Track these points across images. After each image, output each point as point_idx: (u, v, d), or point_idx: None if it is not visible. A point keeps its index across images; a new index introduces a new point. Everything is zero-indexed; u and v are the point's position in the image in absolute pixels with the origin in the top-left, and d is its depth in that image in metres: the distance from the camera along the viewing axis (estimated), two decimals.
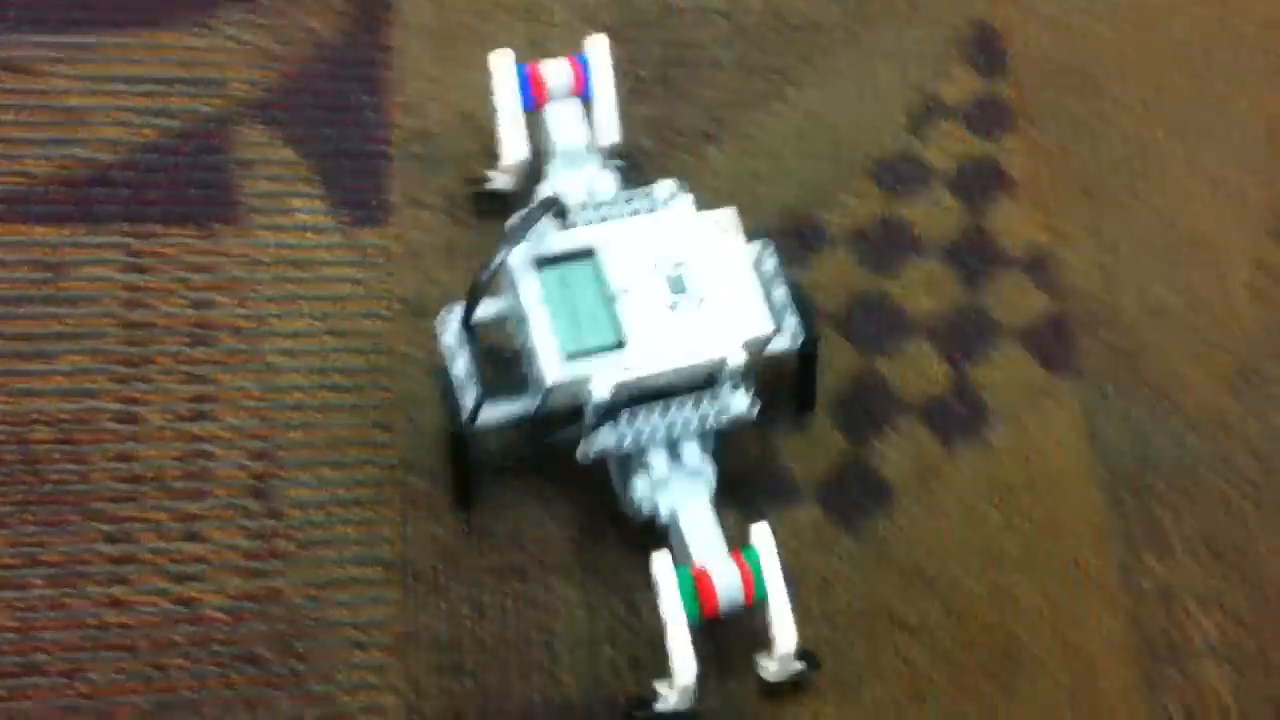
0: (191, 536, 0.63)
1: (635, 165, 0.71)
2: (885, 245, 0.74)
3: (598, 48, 0.65)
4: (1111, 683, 0.64)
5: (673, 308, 0.56)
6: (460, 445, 0.59)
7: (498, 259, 0.55)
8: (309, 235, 0.70)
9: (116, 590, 0.62)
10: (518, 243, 0.56)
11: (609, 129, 0.64)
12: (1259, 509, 0.69)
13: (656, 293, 0.57)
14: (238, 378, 0.66)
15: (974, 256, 0.74)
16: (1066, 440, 0.70)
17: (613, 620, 0.63)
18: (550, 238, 0.57)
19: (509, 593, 0.63)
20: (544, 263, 0.57)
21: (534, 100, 0.63)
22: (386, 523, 0.64)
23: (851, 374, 0.70)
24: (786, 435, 0.68)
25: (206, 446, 0.65)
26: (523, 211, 0.57)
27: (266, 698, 0.60)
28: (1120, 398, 0.71)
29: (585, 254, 0.57)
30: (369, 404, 0.67)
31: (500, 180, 0.67)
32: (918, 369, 0.71)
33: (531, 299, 0.56)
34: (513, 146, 0.63)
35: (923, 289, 0.73)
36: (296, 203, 0.70)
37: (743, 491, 0.65)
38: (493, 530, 0.64)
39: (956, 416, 0.70)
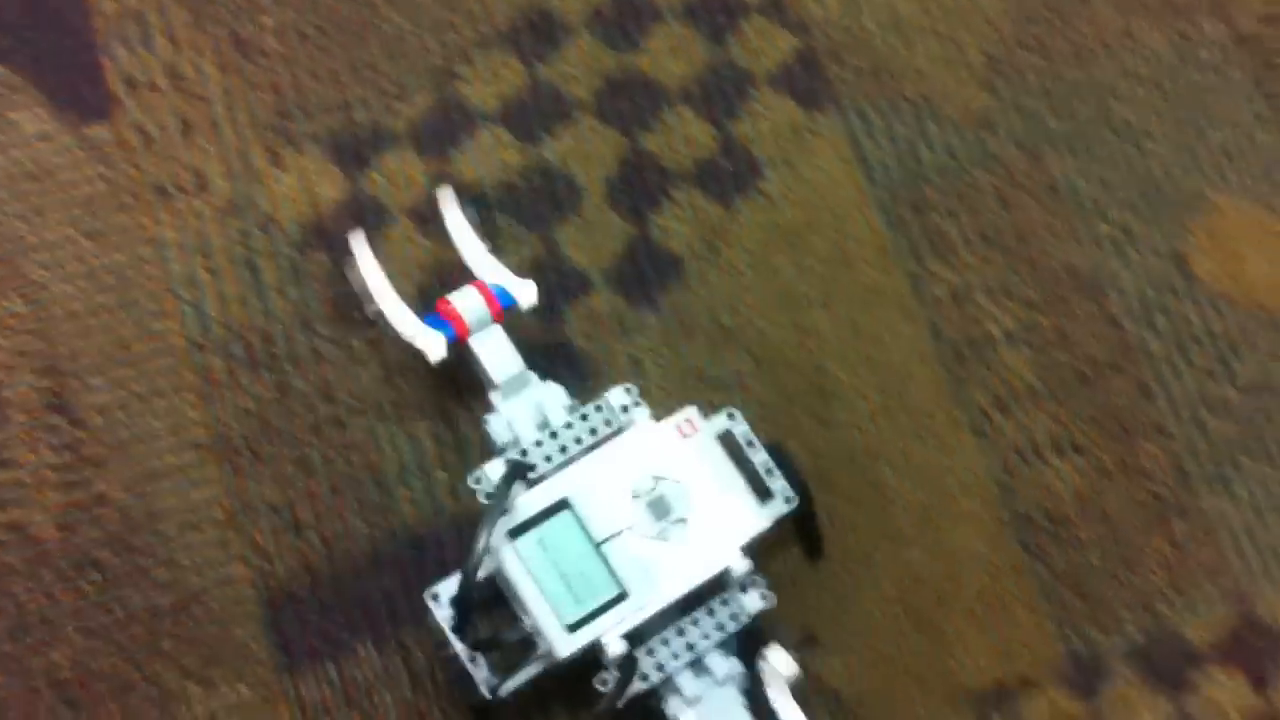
0: (1, 465, 0.65)
1: None
2: (624, 19, 0.75)
3: (451, 211, 0.63)
4: (921, 390, 0.68)
5: (662, 535, 0.55)
6: (482, 714, 0.57)
7: (480, 544, 0.52)
8: (39, 145, 0.70)
9: None
10: (495, 523, 0.53)
11: (526, 294, 0.62)
12: (1030, 195, 0.72)
13: (641, 526, 0.56)
14: (4, 302, 0.67)
15: (714, 11, 0.76)
16: (838, 172, 0.72)
17: (435, 444, 0.66)
18: (520, 500, 0.56)
19: (330, 443, 0.66)
20: (519, 529, 0.55)
21: (455, 335, 0.61)
22: (190, 405, 0.66)
23: (619, 157, 0.72)
24: (566, 227, 0.70)
25: None
26: (491, 487, 0.56)
27: (119, 597, 0.63)
28: (881, 118, 0.74)
29: (560, 507, 0.56)
30: (143, 295, 0.68)
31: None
32: (683, 137, 0.73)
33: (518, 574, 0.54)
34: (434, 349, 0.61)
35: (670, 55, 0.75)
36: (16, 115, 0.70)
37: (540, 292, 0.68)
38: (301, 390, 0.67)
39: (729, 175, 0.72)
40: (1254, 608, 0.65)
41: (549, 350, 0.66)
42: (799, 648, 0.59)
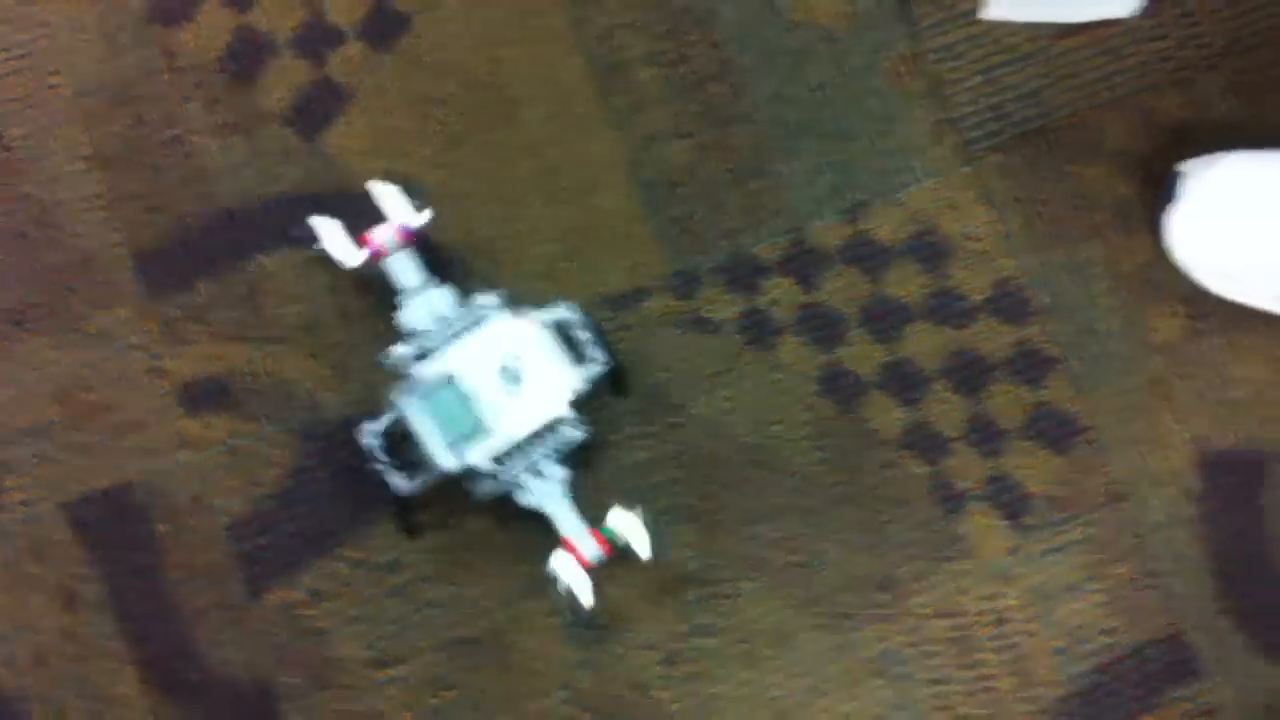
0: None
1: None
2: None
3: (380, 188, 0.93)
4: (579, 100, 1.00)
5: (513, 394, 0.87)
6: (403, 505, 0.90)
7: (394, 415, 0.87)
8: None
9: None
10: (411, 404, 0.86)
11: (419, 219, 0.92)
12: None
13: (499, 387, 0.87)
14: None
15: None
16: None
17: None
18: (420, 368, 0.87)
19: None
20: (421, 392, 0.87)
21: (374, 252, 0.92)
22: None
23: None
24: None
25: None
26: (391, 361, 0.88)
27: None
28: None
29: (447, 378, 0.87)
30: None
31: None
32: None
33: (419, 421, 0.86)
34: (350, 259, 0.92)
35: None
36: None
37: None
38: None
39: None
40: (805, 236, 1.00)
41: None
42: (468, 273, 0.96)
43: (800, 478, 0.96)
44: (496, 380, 0.87)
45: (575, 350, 0.91)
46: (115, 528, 0.91)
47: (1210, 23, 1.05)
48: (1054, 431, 0.98)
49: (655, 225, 0.99)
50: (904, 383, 0.98)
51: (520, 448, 0.88)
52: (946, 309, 1.00)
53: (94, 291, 0.95)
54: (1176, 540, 0.97)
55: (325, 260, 0.95)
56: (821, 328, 0.99)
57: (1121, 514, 0.97)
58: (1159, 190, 1.01)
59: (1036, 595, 0.96)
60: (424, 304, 0.91)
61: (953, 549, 0.96)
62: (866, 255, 1.00)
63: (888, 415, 0.97)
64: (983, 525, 0.97)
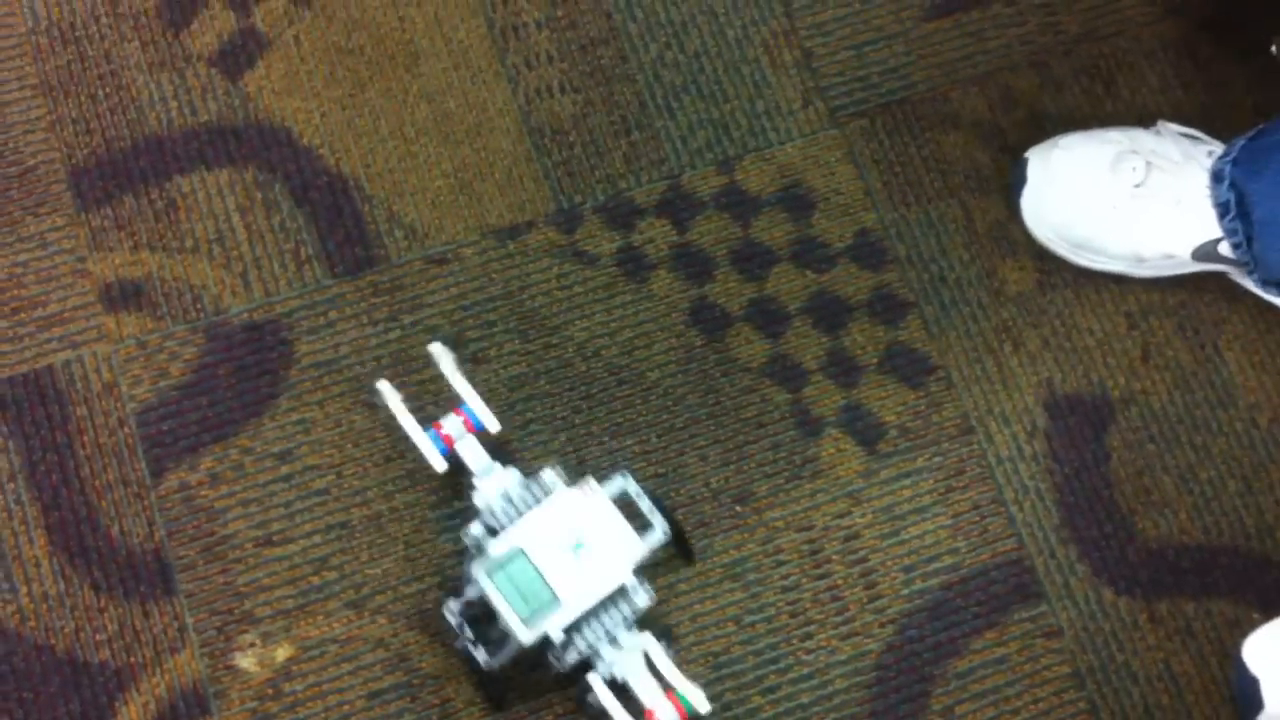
0: None
1: None
2: None
3: (444, 360, 1.07)
4: (477, 55, 1.21)
5: (579, 564, 1.00)
6: (488, 679, 1.03)
7: (473, 590, 1.01)
8: None
9: None
10: (486, 580, 1.00)
11: (489, 421, 1.07)
12: None
13: (567, 558, 1.00)
14: None
15: None
16: None
17: None
18: (490, 545, 1.00)
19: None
20: (492, 567, 1.00)
21: (446, 447, 1.06)
22: None
23: None
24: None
25: None
26: (472, 541, 1.03)
27: None
28: None
29: (517, 551, 1.00)
30: None
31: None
32: None
33: (494, 595, 0.99)
34: (437, 463, 1.06)
35: None
36: None
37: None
38: None
39: None
40: (680, 183, 1.27)
41: None
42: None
43: (666, 398, 1.20)
44: (564, 551, 1.01)
45: (636, 518, 1.04)
46: (35, 407, 1.11)
47: (1068, 12, 1.34)
48: (908, 368, 1.23)
49: (542, 167, 1.22)
50: (768, 318, 1.20)
51: (592, 616, 1.02)
52: (810, 254, 1.22)
53: (31, 201, 1.16)
54: (1022, 473, 1.21)
55: (236, 184, 1.19)
56: (692, 265, 1.21)
57: (970, 446, 1.21)
58: (1012, 159, 1.28)
59: (887, 516, 1.19)
60: (494, 484, 1.05)
61: (808, 469, 1.19)
62: (737, 203, 1.23)
63: (751, 346, 1.22)
64: (838, 449, 1.20)
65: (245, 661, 1.06)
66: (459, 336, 1.15)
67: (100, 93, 1.20)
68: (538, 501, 1.04)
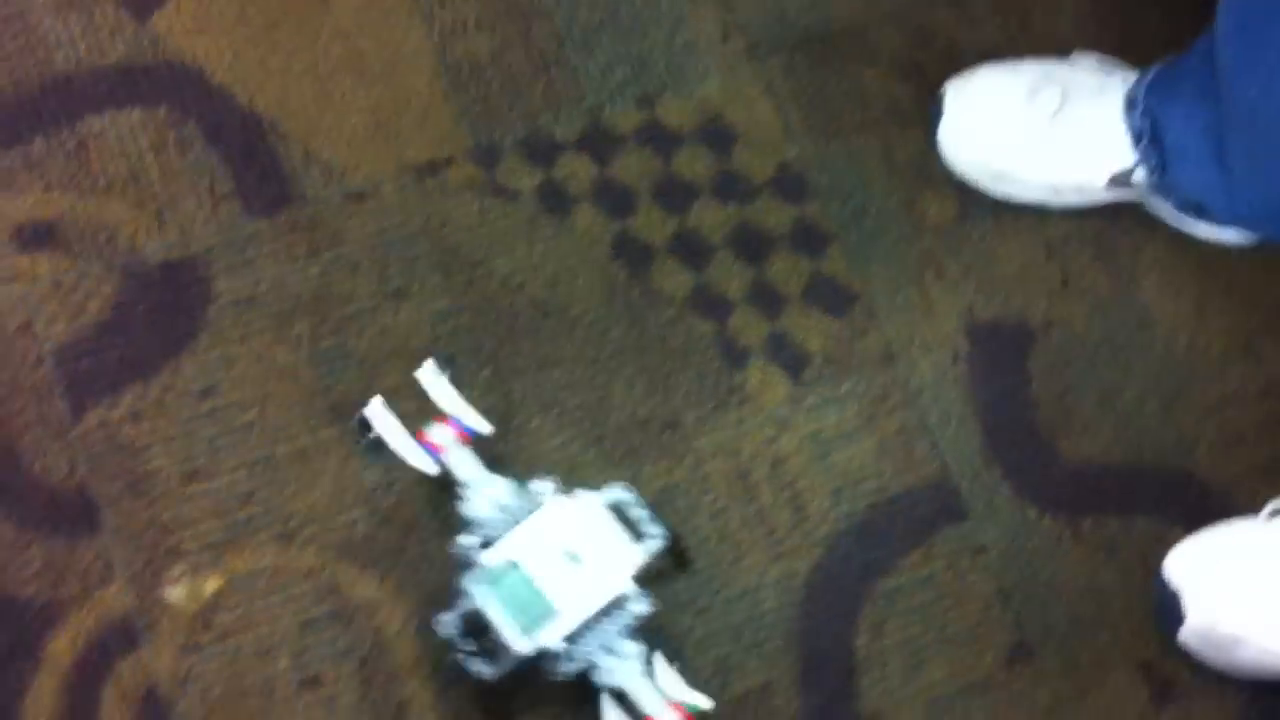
0: None
1: None
2: None
3: (429, 377, 1.09)
4: (407, 31, 1.32)
5: (575, 574, 1.01)
6: (488, 688, 1.03)
7: (466, 603, 1.02)
8: None
9: None
10: (481, 591, 1.01)
11: (480, 425, 1.08)
12: None
13: (563, 568, 1.02)
14: None
15: None
16: None
17: None
18: (484, 558, 1.02)
19: None
20: (485, 579, 1.01)
21: (435, 454, 1.07)
22: None
23: None
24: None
25: None
26: (463, 552, 1.04)
27: None
28: None
29: (511, 564, 1.01)
30: None
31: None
32: None
33: (490, 608, 1.01)
34: (427, 468, 1.07)
35: None
36: None
37: None
38: None
39: None
40: (600, 119, 1.30)
41: None
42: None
43: (591, 330, 1.22)
44: (559, 561, 1.02)
45: (631, 529, 1.06)
46: None
47: None
48: (831, 298, 1.26)
49: (459, 104, 1.23)
50: (691, 251, 1.22)
51: (590, 625, 1.02)
52: (731, 187, 1.23)
53: None
54: (945, 398, 1.25)
55: (148, 123, 1.20)
56: (614, 199, 1.22)
57: (894, 373, 1.25)
58: (930, 92, 1.33)
59: (813, 441, 1.22)
60: (485, 494, 1.06)
61: (734, 398, 1.22)
62: (658, 138, 1.23)
63: (675, 279, 1.25)
64: (763, 378, 1.23)
65: (174, 594, 1.08)
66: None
67: (6, 34, 1.21)
68: (530, 510, 1.05)
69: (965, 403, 1.21)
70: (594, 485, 1.09)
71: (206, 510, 1.11)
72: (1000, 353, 1.23)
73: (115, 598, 1.08)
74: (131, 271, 1.15)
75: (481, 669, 1.03)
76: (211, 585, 1.08)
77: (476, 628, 1.02)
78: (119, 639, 1.08)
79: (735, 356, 1.20)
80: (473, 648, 1.03)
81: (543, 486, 1.06)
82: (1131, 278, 1.25)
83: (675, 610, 1.11)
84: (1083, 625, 1.16)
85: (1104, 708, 1.16)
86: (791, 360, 1.21)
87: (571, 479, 1.11)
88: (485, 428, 1.09)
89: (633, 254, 1.21)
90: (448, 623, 1.04)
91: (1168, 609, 1.13)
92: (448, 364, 1.13)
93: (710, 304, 1.21)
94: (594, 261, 1.21)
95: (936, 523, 1.18)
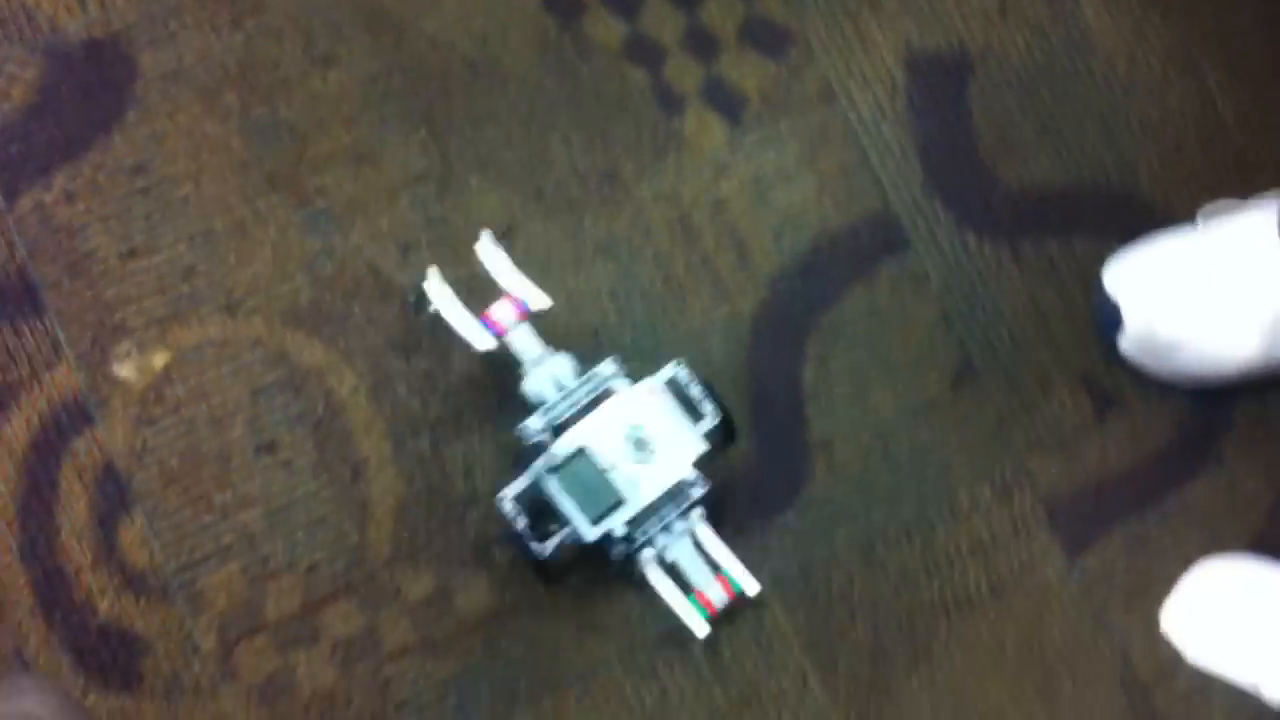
0: None
1: None
2: None
3: (487, 250, 1.09)
4: None
5: (641, 460, 1.05)
6: (541, 566, 1.06)
7: (529, 481, 1.05)
8: None
9: None
10: (549, 480, 1.05)
11: (540, 300, 1.08)
12: None
13: (629, 456, 1.05)
14: None
15: None
16: None
17: None
18: (554, 446, 1.04)
19: None
20: (556, 467, 1.05)
21: (497, 332, 1.07)
22: None
23: None
24: None
25: None
26: (529, 436, 1.07)
27: None
28: None
29: (579, 452, 1.04)
30: None
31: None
32: None
33: (559, 496, 1.05)
34: (482, 342, 1.07)
35: None
36: None
37: None
38: None
39: None
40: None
41: None
42: None
43: (524, 85, 1.21)
44: (626, 449, 1.06)
45: (689, 406, 1.08)
46: None
47: None
48: (767, 39, 1.25)
49: None
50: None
51: (651, 510, 1.07)
52: None
53: None
54: (885, 133, 1.25)
55: None
56: None
57: (832, 110, 1.25)
58: None
59: (753, 183, 1.22)
60: (546, 373, 1.08)
61: (673, 144, 1.22)
62: None
63: (607, 28, 1.23)
64: (701, 123, 1.22)
65: (124, 370, 1.10)
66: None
67: None
68: (595, 391, 1.08)
69: (905, 135, 1.21)
70: (647, 358, 1.13)
71: (149, 286, 1.12)
72: (939, 83, 1.23)
73: (65, 378, 1.10)
74: (54, 52, 1.14)
75: (539, 548, 1.06)
76: (160, 360, 1.10)
77: (536, 509, 1.06)
78: (72, 418, 1.10)
79: (672, 103, 1.20)
80: (529, 529, 1.06)
81: (606, 368, 1.08)
82: (1072, 3, 1.25)
83: (624, 359, 1.12)
84: (1025, 344, 1.18)
85: (1048, 422, 1.19)
86: (729, 103, 1.21)
87: (514, 235, 1.11)
88: (545, 302, 1.10)
89: (563, 5, 1.21)
90: (509, 500, 1.06)
91: (1107, 318, 1.15)
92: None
93: (644, 52, 1.20)
94: (524, 15, 1.20)
95: (878, 255, 1.19)
